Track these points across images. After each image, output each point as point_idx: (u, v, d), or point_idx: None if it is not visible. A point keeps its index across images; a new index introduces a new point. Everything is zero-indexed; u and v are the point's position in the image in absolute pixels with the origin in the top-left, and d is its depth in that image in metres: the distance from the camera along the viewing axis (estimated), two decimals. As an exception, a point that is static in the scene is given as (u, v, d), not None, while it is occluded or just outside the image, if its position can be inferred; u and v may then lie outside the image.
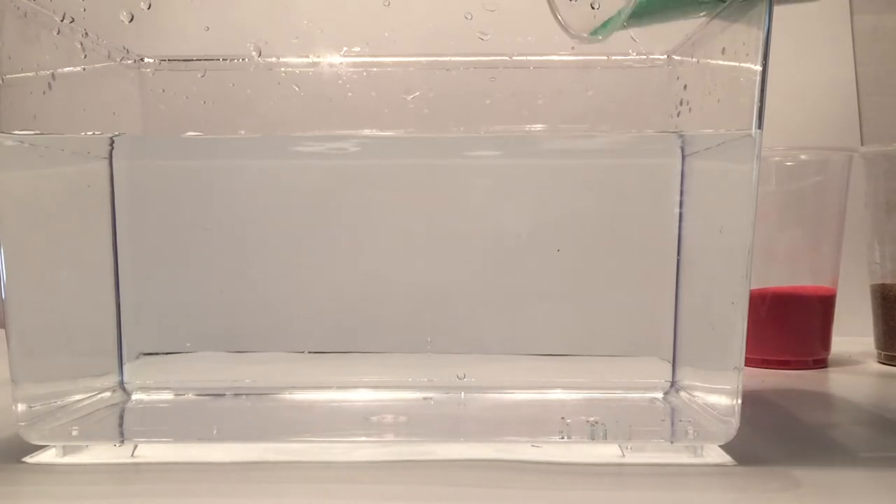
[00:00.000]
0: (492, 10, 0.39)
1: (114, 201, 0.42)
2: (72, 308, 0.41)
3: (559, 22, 0.37)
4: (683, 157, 0.41)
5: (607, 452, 0.35)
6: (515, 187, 0.43)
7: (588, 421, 0.36)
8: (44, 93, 0.37)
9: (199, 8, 0.40)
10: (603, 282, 0.43)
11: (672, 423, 0.38)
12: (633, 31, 0.40)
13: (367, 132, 0.39)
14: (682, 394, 0.41)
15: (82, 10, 0.38)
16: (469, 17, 0.39)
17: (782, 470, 0.33)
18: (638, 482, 0.32)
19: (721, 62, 0.37)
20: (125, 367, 0.42)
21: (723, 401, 0.36)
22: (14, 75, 0.35)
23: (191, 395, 0.43)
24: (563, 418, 0.37)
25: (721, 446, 0.35)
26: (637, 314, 0.43)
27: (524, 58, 0.42)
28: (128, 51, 0.43)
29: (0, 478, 0.32)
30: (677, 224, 0.41)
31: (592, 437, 0.35)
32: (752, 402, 0.45)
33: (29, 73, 0.36)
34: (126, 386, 0.43)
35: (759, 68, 0.33)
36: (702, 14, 0.37)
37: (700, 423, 0.36)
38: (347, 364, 0.43)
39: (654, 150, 0.42)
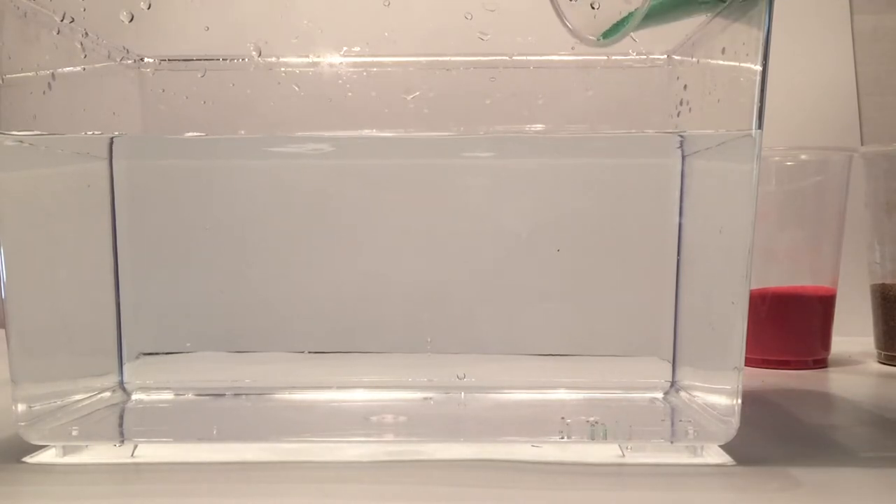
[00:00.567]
0: (492, 10, 0.39)
1: (114, 201, 0.42)
2: (72, 308, 0.41)
3: (567, 27, 0.37)
4: (683, 157, 0.41)
5: (607, 452, 0.35)
6: (515, 187, 0.43)
7: (588, 421, 0.36)
8: (44, 93, 0.37)
9: (199, 8, 0.40)
10: (603, 282, 0.43)
11: (672, 423, 0.38)
12: (634, 32, 0.40)
13: (367, 132, 0.39)
14: (682, 394, 0.41)
15: (82, 10, 0.38)
16: (469, 17, 0.39)
17: (782, 470, 0.33)
18: (638, 482, 0.32)
19: (721, 62, 0.37)
20: (125, 367, 0.42)
21: (723, 401, 0.36)
22: (14, 75, 0.35)
23: (191, 395, 0.43)
24: (563, 418, 0.37)
25: (721, 446, 0.35)
26: (637, 314, 0.43)
27: (524, 58, 0.42)
28: (128, 51, 0.43)
29: (0, 478, 0.32)
30: (677, 224, 0.41)
31: (592, 437, 0.35)
32: (752, 402, 0.45)
33: (29, 73, 0.36)
34: (126, 386, 0.43)
35: (759, 68, 0.33)
36: (702, 14, 0.37)
37: (700, 423, 0.36)
38: (347, 364, 0.43)
39: (654, 150, 0.42)
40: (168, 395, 0.43)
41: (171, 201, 0.43)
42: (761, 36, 0.33)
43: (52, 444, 0.35)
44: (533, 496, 0.30)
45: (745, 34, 0.34)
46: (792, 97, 0.72)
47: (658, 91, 0.43)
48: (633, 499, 0.30)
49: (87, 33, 0.39)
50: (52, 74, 0.37)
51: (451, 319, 0.43)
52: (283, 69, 0.42)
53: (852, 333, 0.62)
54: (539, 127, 0.42)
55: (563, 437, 0.35)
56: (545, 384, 0.42)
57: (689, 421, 0.38)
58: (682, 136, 0.40)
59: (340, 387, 0.42)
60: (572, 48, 0.40)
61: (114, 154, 0.41)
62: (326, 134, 0.40)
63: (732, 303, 0.35)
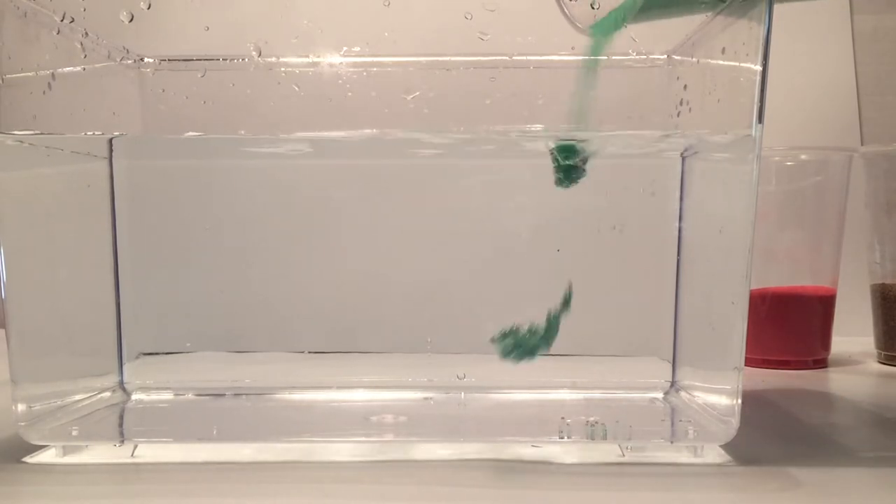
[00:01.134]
0: (492, 10, 0.39)
1: (114, 201, 0.42)
2: (72, 308, 0.41)
3: (566, 15, 0.37)
4: (683, 157, 0.41)
5: (607, 452, 0.35)
6: (515, 187, 0.43)
7: (588, 421, 0.36)
8: (44, 93, 0.37)
9: (199, 8, 0.40)
10: (603, 282, 0.43)
11: (672, 423, 0.38)
12: (634, 32, 0.40)
13: (367, 132, 0.39)
14: (682, 394, 0.41)
15: (82, 10, 0.38)
16: (469, 17, 0.39)
17: (782, 470, 0.33)
18: (638, 482, 0.32)
19: (721, 62, 0.37)
20: (125, 367, 0.42)
21: (723, 401, 0.36)
22: (14, 75, 0.35)
23: (191, 395, 0.43)
24: (563, 418, 0.37)
25: (721, 446, 0.35)
26: (637, 314, 0.43)
27: (524, 58, 0.42)
28: (128, 51, 0.43)
29: (0, 478, 0.32)
30: (677, 224, 0.41)
31: (592, 437, 0.35)
32: (752, 402, 0.45)
33: (29, 73, 0.36)
34: (126, 386, 0.43)
35: (759, 68, 0.33)
36: (702, 13, 0.37)
37: (700, 423, 0.36)
38: (347, 364, 0.43)
39: (653, 150, 0.42)
40: (168, 395, 0.43)
41: (171, 201, 0.43)
42: (761, 36, 0.33)
43: (52, 444, 0.35)
44: (533, 496, 0.30)
45: (745, 34, 0.34)
46: (792, 97, 0.72)
47: (658, 91, 0.43)
48: (633, 499, 0.30)
49: (87, 33, 0.39)
50: (52, 74, 0.37)
51: (451, 319, 0.43)
52: (283, 69, 0.42)
53: (852, 333, 0.62)
54: (539, 127, 0.42)
55: (563, 437, 0.35)
56: (545, 384, 0.42)
57: (689, 421, 0.38)
58: (681, 136, 0.40)
59: (340, 387, 0.42)
60: (572, 48, 0.40)
61: (114, 154, 0.41)
62: (326, 134, 0.40)
63: (732, 303, 0.35)
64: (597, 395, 0.42)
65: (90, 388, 0.41)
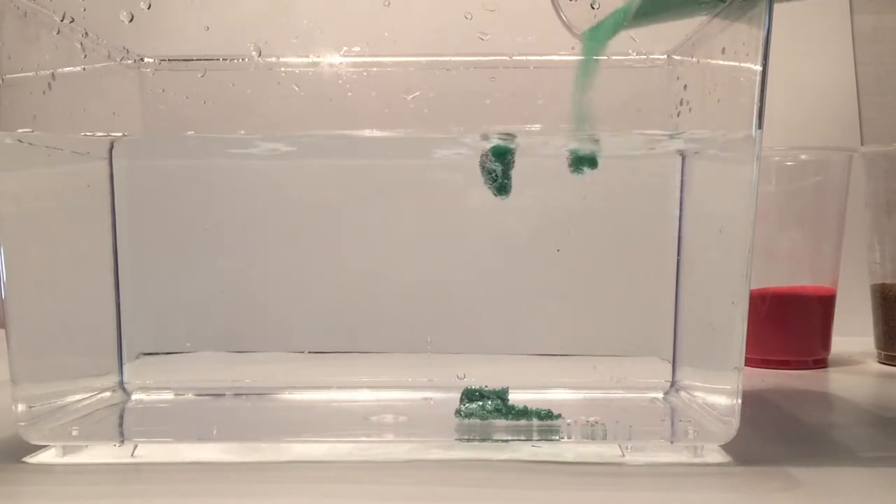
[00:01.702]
0: (492, 10, 0.39)
1: (114, 201, 0.42)
2: (72, 308, 0.41)
3: (563, 21, 0.37)
4: (683, 157, 0.41)
5: (607, 452, 0.35)
6: (515, 187, 0.42)
7: (588, 421, 0.36)
8: (44, 93, 0.37)
9: (199, 8, 0.40)
10: (603, 282, 0.43)
11: (672, 423, 0.38)
12: (634, 32, 0.40)
13: (367, 132, 0.39)
14: (682, 394, 0.41)
15: (82, 10, 0.38)
16: (469, 17, 0.39)
17: (782, 470, 0.33)
18: (638, 482, 0.32)
19: (721, 62, 0.37)
20: (125, 367, 0.42)
21: (723, 401, 0.36)
22: (14, 75, 0.35)
23: (191, 395, 0.43)
24: (563, 418, 0.37)
25: (721, 446, 0.35)
26: (637, 314, 0.43)
27: (524, 58, 0.42)
28: (128, 51, 0.43)
29: (0, 478, 0.32)
30: (677, 224, 0.41)
31: (592, 437, 0.35)
32: (752, 402, 0.45)
33: (29, 73, 0.36)
34: (126, 386, 0.43)
35: (758, 68, 0.33)
36: (702, 14, 0.37)
37: (700, 423, 0.36)
38: (347, 364, 0.43)
39: (653, 150, 0.42)
40: (168, 395, 0.43)
41: (171, 201, 0.43)
42: (761, 36, 0.33)
43: (52, 444, 0.35)
44: (533, 496, 0.30)
45: (745, 34, 0.34)
46: (792, 97, 0.72)
47: (658, 91, 0.43)
48: (633, 499, 0.30)
49: (87, 33, 0.39)
50: (52, 74, 0.37)
51: (451, 319, 0.43)
52: (283, 69, 0.42)
53: (852, 333, 0.62)
54: (539, 127, 0.42)
55: (563, 437, 0.35)
56: (545, 384, 0.42)
57: (689, 421, 0.38)
58: (681, 136, 0.40)
59: (340, 387, 0.42)
60: (572, 48, 0.40)
61: (114, 154, 0.41)
62: (327, 134, 0.40)
63: (732, 303, 0.35)
64: (597, 395, 0.42)
65: (90, 388, 0.41)
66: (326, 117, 0.43)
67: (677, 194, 0.41)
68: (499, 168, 0.36)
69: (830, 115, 0.73)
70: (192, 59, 0.43)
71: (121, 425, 0.39)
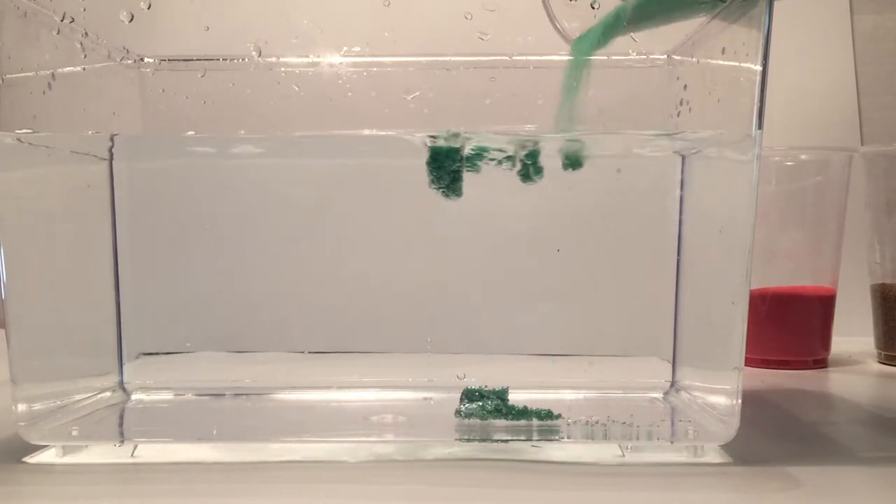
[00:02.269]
0: (492, 10, 0.39)
1: (114, 201, 0.42)
2: (72, 308, 0.41)
3: (558, 30, 0.37)
4: (683, 157, 0.41)
5: (607, 452, 0.35)
6: (515, 187, 0.42)
7: (588, 421, 0.36)
8: (44, 93, 0.37)
9: (199, 8, 0.40)
10: (603, 282, 0.43)
11: (672, 423, 0.38)
12: (634, 33, 0.40)
13: (367, 132, 0.39)
14: (682, 394, 0.41)
15: (82, 10, 0.38)
16: (469, 17, 0.39)
17: (782, 470, 0.33)
18: (638, 482, 0.32)
19: (721, 62, 0.37)
20: (125, 367, 0.42)
21: (723, 401, 0.36)
22: (14, 75, 0.35)
23: (191, 395, 0.43)
24: (563, 418, 0.37)
25: (721, 446, 0.35)
26: (637, 314, 0.43)
27: (524, 58, 0.42)
28: (128, 51, 0.43)
29: (0, 478, 0.32)
30: (677, 224, 0.41)
31: (592, 437, 0.35)
32: (752, 402, 0.45)
33: (29, 73, 0.36)
34: (126, 386, 0.43)
35: (758, 68, 0.33)
36: (702, 14, 0.37)
37: (700, 423, 0.36)
38: (347, 364, 0.43)
39: (653, 150, 0.42)
40: (168, 395, 0.43)
41: (171, 201, 0.43)
42: (761, 36, 0.33)
43: (52, 444, 0.35)
44: (533, 496, 0.30)
45: (745, 34, 0.34)
46: (792, 97, 0.72)
47: (658, 91, 0.43)
48: (633, 499, 0.30)
49: (87, 33, 0.39)
50: (52, 74, 0.37)
51: (451, 319, 0.43)
52: (283, 69, 0.42)
53: (852, 333, 0.62)
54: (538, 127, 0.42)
55: (563, 437, 0.35)
56: (545, 384, 0.42)
57: (689, 421, 0.38)
58: (681, 136, 0.40)
59: (340, 387, 0.42)
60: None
61: (114, 154, 0.41)
62: (327, 134, 0.40)
63: (732, 303, 0.35)
64: (597, 395, 0.42)
65: (90, 388, 0.41)
66: (326, 117, 0.43)
67: (677, 194, 0.41)
68: (446, 169, 0.36)
69: (830, 115, 0.73)
70: (192, 59, 0.43)
71: (121, 425, 0.39)
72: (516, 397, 0.38)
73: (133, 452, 0.35)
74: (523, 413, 0.37)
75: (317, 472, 0.33)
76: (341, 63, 0.42)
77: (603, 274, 0.43)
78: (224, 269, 0.43)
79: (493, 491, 0.31)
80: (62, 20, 0.37)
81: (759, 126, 0.33)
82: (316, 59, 0.42)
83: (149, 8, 0.38)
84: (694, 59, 0.40)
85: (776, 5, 0.32)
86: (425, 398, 0.42)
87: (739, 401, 0.34)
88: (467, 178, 0.42)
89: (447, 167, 0.37)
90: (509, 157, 0.38)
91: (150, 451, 0.35)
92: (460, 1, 0.39)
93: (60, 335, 0.40)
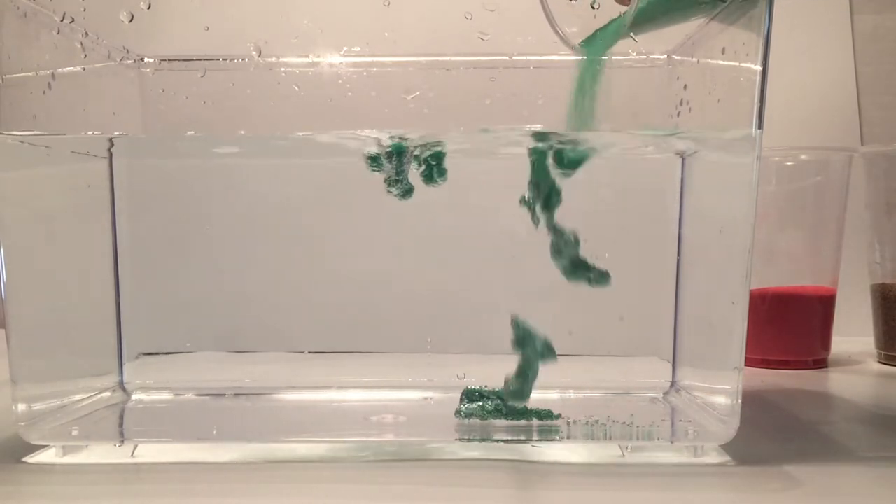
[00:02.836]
0: (492, 10, 0.39)
1: (114, 201, 0.42)
2: (72, 308, 0.41)
3: (559, 34, 0.37)
4: (683, 157, 0.41)
5: (607, 452, 0.35)
6: (515, 187, 0.42)
7: (588, 421, 0.36)
8: (44, 93, 0.37)
9: (199, 8, 0.40)
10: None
11: (672, 423, 0.38)
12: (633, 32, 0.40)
13: (367, 132, 0.39)
14: (682, 394, 0.41)
15: (82, 10, 0.38)
16: (469, 17, 0.39)
17: (782, 470, 0.33)
18: (638, 482, 0.32)
19: (721, 62, 0.37)
20: (125, 367, 0.42)
21: (723, 401, 0.36)
22: (14, 75, 0.35)
23: (190, 395, 0.43)
24: (563, 418, 0.37)
25: (721, 446, 0.35)
26: (637, 314, 0.43)
27: (524, 58, 0.42)
28: (128, 51, 0.43)
29: (0, 478, 0.32)
30: (677, 224, 0.41)
31: (592, 437, 0.35)
32: (752, 402, 0.45)
33: (29, 73, 0.36)
34: (126, 386, 0.43)
35: (758, 68, 0.33)
36: (702, 15, 0.37)
37: (700, 423, 0.36)
38: (347, 364, 0.43)
39: (653, 150, 0.42)
40: (168, 395, 0.43)
41: (171, 201, 0.43)
42: (761, 36, 0.33)
43: (52, 444, 0.35)
44: (533, 496, 0.30)
45: (744, 34, 0.34)
46: (792, 97, 0.72)
47: (658, 91, 0.43)
48: (632, 499, 0.30)
49: (87, 33, 0.39)
50: (52, 74, 0.37)
51: (451, 319, 0.43)
52: (283, 69, 0.42)
53: (852, 333, 0.62)
54: (539, 127, 0.42)
55: (563, 437, 0.35)
56: (545, 384, 0.42)
57: (689, 421, 0.38)
58: (681, 136, 0.40)
59: (340, 387, 0.42)
60: (572, 48, 0.40)
61: (114, 154, 0.41)
62: (327, 134, 0.40)
63: (732, 303, 0.35)
64: (597, 395, 0.42)
65: (90, 388, 0.41)
66: (326, 117, 0.43)
67: (677, 194, 0.41)
68: (391, 168, 0.36)
69: (830, 115, 0.73)
70: (192, 59, 0.43)
71: (121, 425, 0.39)
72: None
73: (133, 452, 0.35)
74: (523, 413, 0.37)
75: (317, 472, 0.33)
76: (341, 63, 0.42)
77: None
78: (224, 269, 0.43)
79: (493, 491, 0.31)
80: (62, 20, 0.37)
81: (760, 126, 0.33)
82: (316, 59, 0.42)
83: (149, 8, 0.38)
84: (694, 59, 0.40)
85: (776, 5, 0.32)
86: (425, 398, 0.42)
87: (739, 401, 0.34)
88: (469, 177, 0.42)
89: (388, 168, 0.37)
90: (416, 157, 0.38)
91: (150, 451, 0.35)
92: (460, 1, 0.39)
93: (60, 335, 0.40)
